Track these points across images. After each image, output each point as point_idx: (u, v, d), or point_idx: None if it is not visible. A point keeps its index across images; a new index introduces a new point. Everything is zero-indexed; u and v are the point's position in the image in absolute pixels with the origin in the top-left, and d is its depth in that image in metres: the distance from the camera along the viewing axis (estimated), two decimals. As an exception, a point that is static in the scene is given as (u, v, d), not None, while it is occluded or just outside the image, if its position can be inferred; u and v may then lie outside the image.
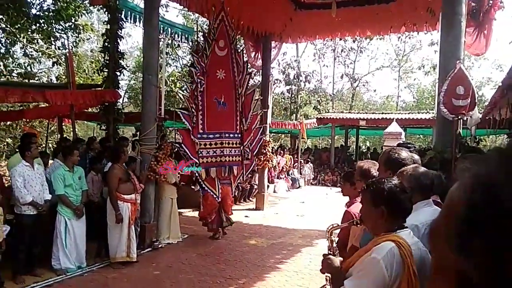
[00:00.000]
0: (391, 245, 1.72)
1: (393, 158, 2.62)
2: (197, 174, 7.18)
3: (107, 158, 6.65)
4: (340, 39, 23.07)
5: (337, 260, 2.06)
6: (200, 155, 7.15)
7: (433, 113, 15.74)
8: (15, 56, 14.12)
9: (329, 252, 2.17)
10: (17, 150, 5.83)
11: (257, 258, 6.42)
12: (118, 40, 8.43)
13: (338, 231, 3.05)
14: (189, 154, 6.98)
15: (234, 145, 7.69)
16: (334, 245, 2.20)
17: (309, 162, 18.41)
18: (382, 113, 20.08)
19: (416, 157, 3.37)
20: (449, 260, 0.46)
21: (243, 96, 7.82)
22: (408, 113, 19.16)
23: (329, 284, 2.10)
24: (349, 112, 21.95)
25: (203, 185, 7.27)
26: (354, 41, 25.41)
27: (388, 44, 31.71)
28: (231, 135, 7.67)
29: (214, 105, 7.42)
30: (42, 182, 5.33)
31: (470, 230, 0.44)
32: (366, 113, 21.24)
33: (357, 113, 21.19)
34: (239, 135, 7.77)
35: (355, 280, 1.81)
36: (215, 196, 7.30)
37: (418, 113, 18.80)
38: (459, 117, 5.51)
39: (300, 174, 17.19)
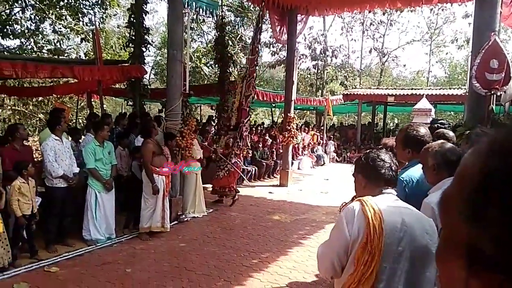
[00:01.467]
0: (353, 204, 1.79)
1: (411, 135, 2.53)
2: (236, 149, 8.22)
3: (134, 134, 6.80)
4: (369, 12, 22.31)
5: None
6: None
7: (465, 88, 15.18)
8: (44, 32, 14.41)
9: None
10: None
11: (280, 233, 6.48)
12: (144, 15, 8.46)
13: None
14: (244, 134, 8.27)
15: None
16: None
17: (332, 139, 18.15)
18: (412, 88, 19.50)
19: (451, 134, 3.26)
20: (461, 231, 0.44)
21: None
22: (439, 89, 18.53)
23: None
24: (377, 88, 21.42)
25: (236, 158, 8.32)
26: (383, 14, 24.54)
27: (420, 17, 30.60)
28: None
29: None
30: (70, 156, 5.49)
31: (485, 198, 0.41)
32: (395, 89, 20.66)
33: (386, 89, 20.63)
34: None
35: (324, 242, 1.93)
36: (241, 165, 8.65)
37: (450, 88, 18.15)
38: (492, 92, 5.27)
39: (325, 151, 17.06)
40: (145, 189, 5.96)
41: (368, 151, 2.01)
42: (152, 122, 6.58)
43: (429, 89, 18.93)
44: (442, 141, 2.44)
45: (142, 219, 5.98)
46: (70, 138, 6.14)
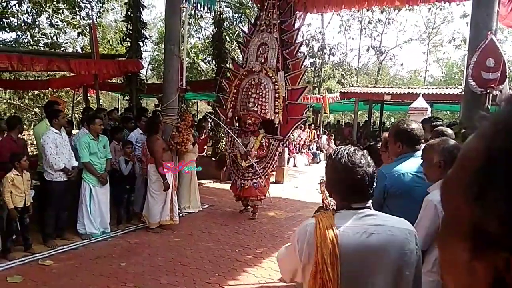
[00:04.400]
0: (311, 221, 1.53)
1: (402, 129, 2.55)
2: (281, 148, 7.36)
3: (127, 128, 6.80)
4: (368, 10, 22.31)
5: None
6: None
7: (461, 88, 15.23)
8: (41, 26, 14.32)
9: (323, 205, 2.15)
10: (44, 118, 6.01)
11: (275, 230, 6.50)
12: (141, 9, 8.42)
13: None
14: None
15: None
16: (329, 199, 2.08)
17: (326, 133, 18.17)
18: (408, 87, 19.56)
19: (450, 131, 3.27)
20: (464, 213, 0.43)
21: None
22: (436, 88, 18.58)
23: None
24: (374, 87, 21.43)
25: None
26: (382, 12, 24.58)
27: (418, 16, 30.70)
28: None
29: None
30: (69, 149, 5.49)
31: (489, 177, 0.41)
32: (392, 87, 20.69)
33: (383, 87, 20.65)
34: None
35: (287, 244, 1.69)
36: None
37: (446, 88, 18.20)
38: (488, 91, 5.29)
39: (317, 148, 17.09)
40: (153, 185, 6.04)
41: (338, 150, 1.61)
42: (159, 117, 6.55)
43: (425, 88, 18.97)
44: (444, 138, 2.44)
45: (151, 215, 6.05)
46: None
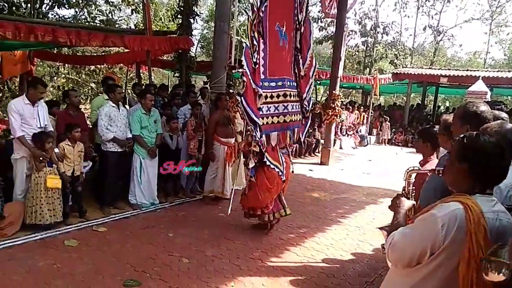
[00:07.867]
0: (457, 206, 1.54)
1: (471, 111, 2.32)
2: (256, 144, 4.77)
3: (175, 105, 6.95)
4: (426, -13, 21.06)
5: (407, 203, 1.94)
6: (261, 112, 4.79)
7: (527, 71, 14.18)
8: (97, 3, 14.80)
9: (403, 192, 2.09)
10: (99, 93, 6.27)
11: (318, 211, 6.46)
12: (193, -14, 8.45)
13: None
14: (251, 115, 4.58)
15: (294, 98, 5.32)
16: (411, 187, 2.10)
17: (379, 119, 17.70)
18: (467, 69, 18.42)
19: (504, 114, 3.04)
20: None
21: (302, 26, 5.29)
22: (497, 71, 17.39)
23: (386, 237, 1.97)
24: (429, 68, 20.40)
25: (266, 159, 4.91)
26: (441, -11, 23.15)
27: (481, -7, 28.47)
28: (291, 84, 5.26)
29: (276, 36, 4.93)
30: (126, 123, 5.73)
31: None
32: (449, 69, 19.58)
33: (439, 69, 19.60)
34: (296, 84, 5.41)
35: (405, 230, 1.68)
36: (280, 172, 5.04)
37: (509, 71, 16.99)
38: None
39: (368, 132, 16.66)
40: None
41: (483, 136, 1.61)
42: (221, 95, 6.62)
43: (486, 71, 17.81)
44: (501, 121, 2.26)
45: (205, 184, 6.45)
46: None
